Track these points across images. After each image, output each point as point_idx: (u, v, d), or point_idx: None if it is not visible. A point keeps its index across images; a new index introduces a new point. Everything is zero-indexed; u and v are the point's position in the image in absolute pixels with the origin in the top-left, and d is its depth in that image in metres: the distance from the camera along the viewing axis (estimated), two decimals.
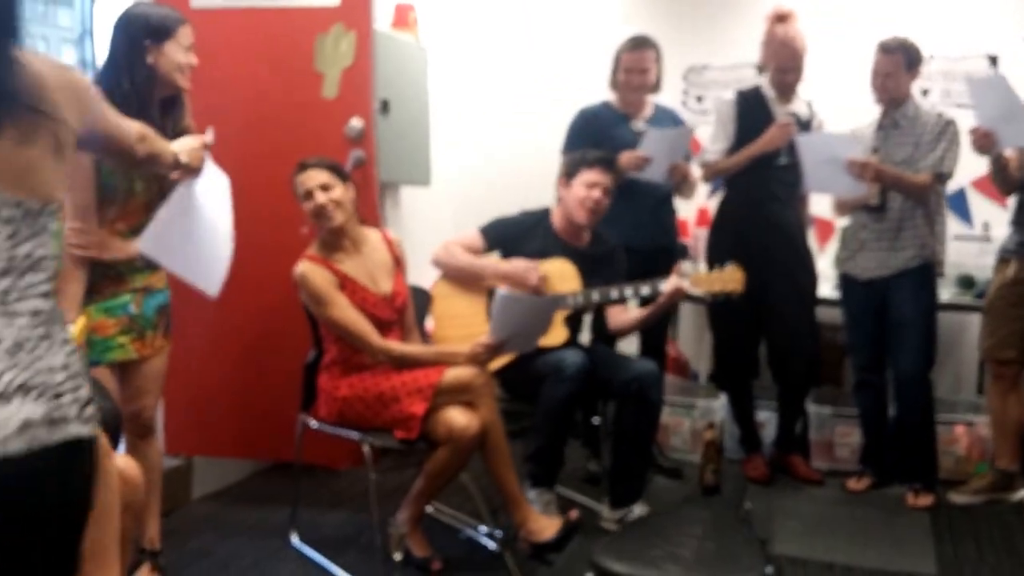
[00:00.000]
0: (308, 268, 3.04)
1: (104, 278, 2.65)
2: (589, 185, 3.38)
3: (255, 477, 4.01)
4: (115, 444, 2.36)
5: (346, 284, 3.06)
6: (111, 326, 2.68)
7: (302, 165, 3.10)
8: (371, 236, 3.22)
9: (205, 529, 3.43)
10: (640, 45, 3.85)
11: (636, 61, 3.84)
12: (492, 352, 3.05)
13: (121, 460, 2.27)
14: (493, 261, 3.45)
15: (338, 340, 3.09)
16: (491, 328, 3.04)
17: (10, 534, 1.32)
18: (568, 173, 3.46)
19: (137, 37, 2.60)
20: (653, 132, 3.75)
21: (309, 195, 3.06)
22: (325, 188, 3.05)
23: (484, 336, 3.06)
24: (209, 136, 2.55)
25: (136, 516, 2.50)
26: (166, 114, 2.70)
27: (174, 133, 2.64)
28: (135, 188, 2.66)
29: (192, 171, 2.48)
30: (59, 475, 1.35)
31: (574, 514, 3.07)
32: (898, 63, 3.67)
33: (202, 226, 2.62)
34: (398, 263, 3.25)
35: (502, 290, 3.02)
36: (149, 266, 2.74)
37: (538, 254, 3.43)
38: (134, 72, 2.59)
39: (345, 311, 3.02)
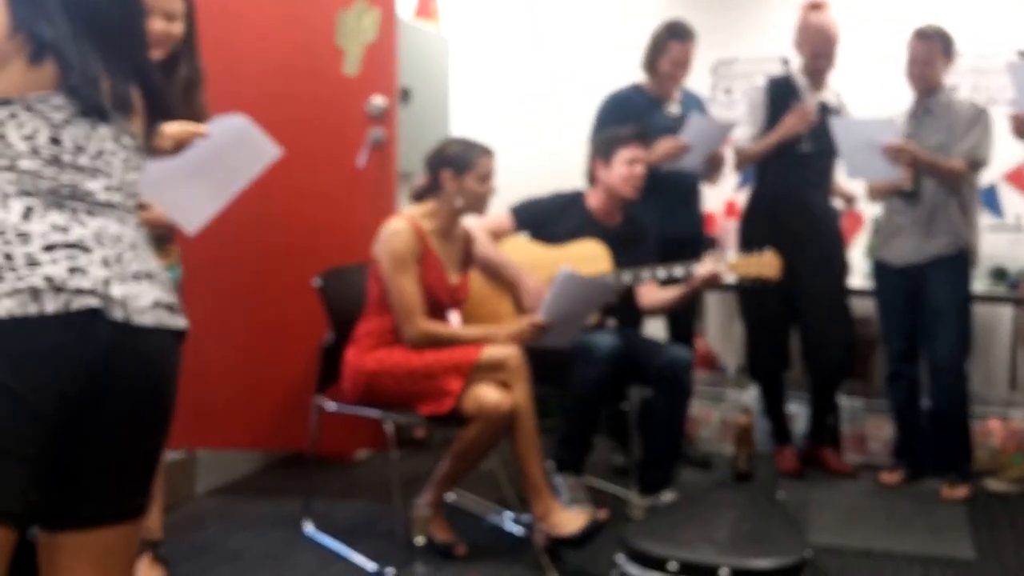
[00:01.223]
0: (403, 228, 2.95)
1: None
2: (630, 162, 3.37)
3: (262, 471, 3.88)
4: None
5: (427, 259, 2.97)
6: None
7: (488, 150, 3.06)
8: (459, 227, 3.16)
9: (211, 522, 3.30)
10: (688, 36, 3.79)
11: (685, 53, 3.79)
12: (538, 333, 2.96)
13: None
14: (516, 264, 3.36)
15: (383, 312, 2.99)
16: (545, 307, 2.96)
17: (125, 402, 1.44)
18: (605, 153, 3.42)
19: None
20: (697, 118, 3.70)
21: (486, 179, 3.03)
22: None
23: (533, 316, 2.99)
24: (206, 129, 2.37)
25: None
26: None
27: (186, 110, 2.50)
28: None
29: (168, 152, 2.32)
30: (171, 358, 1.51)
31: (602, 513, 2.97)
32: (935, 50, 3.63)
33: (204, 175, 2.46)
34: (468, 260, 3.19)
35: (566, 268, 2.95)
36: (156, 241, 2.62)
37: (570, 234, 3.40)
38: None
39: (410, 283, 2.92)
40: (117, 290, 1.40)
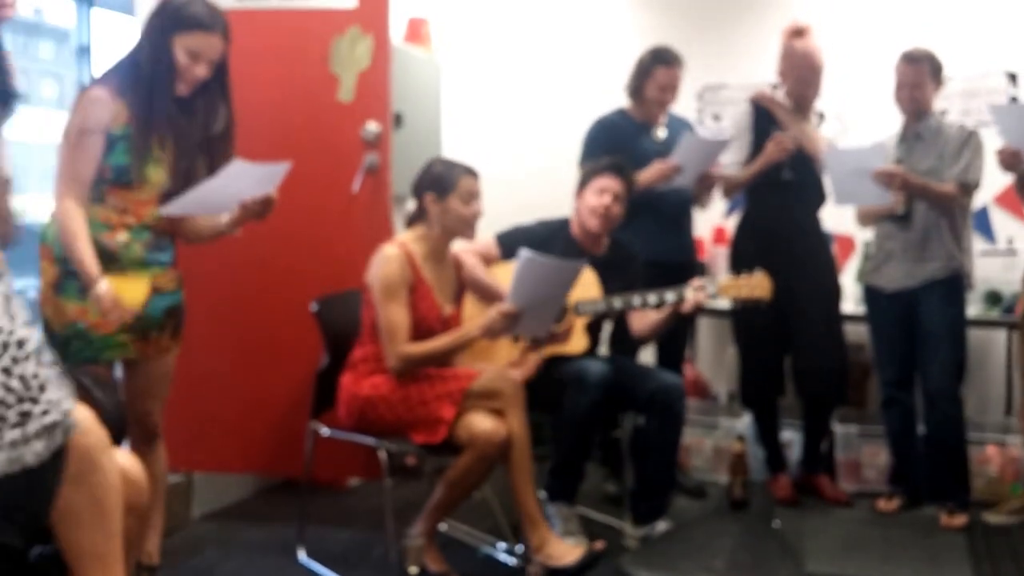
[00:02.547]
0: (396, 256, 2.92)
1: (106, 273, 2.55)
2: (600, 192, 3.33)
3: (258, 495, 3.86)
4: (118, 441, 2.24)
5: (418, 287, 2.95)
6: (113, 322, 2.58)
7: (471, 170, 3.02)
8: (450, 253, 3.12)
9: (206, 547, 3.28)
10: (675, 61, 3.77)
11: (672, 78, 3.77)
12: (509, 321, 2.89)
13: (124, 459, 2.13)
14: (501, 283, 3.32)
15: (378, 338, 2.96)
16: (510, 293, 2.89)
17: None
18: (582, 182, 3.42)
19: (164, 25, 2.55)
20: (689, 137, 3.68)
21: (472, 199, 2.98)
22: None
23: (502, 304, 2.91)
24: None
25: (140, 520, 2.36)
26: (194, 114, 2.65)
27: (210, 153, 2.66)
28: (148, 175, 2.58)
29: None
30: None
31: (599, 544, 2.94)
32: (924, 73, 3.62)
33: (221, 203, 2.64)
34: (462, 289, 3.15)
35: (525, 251, 2.88)
36: (159, 264, 2.65)
37: None
38: (155, 57, 2.54)
39: (398, 311, 2.89)
40: None
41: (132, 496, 2.09)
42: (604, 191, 3.33)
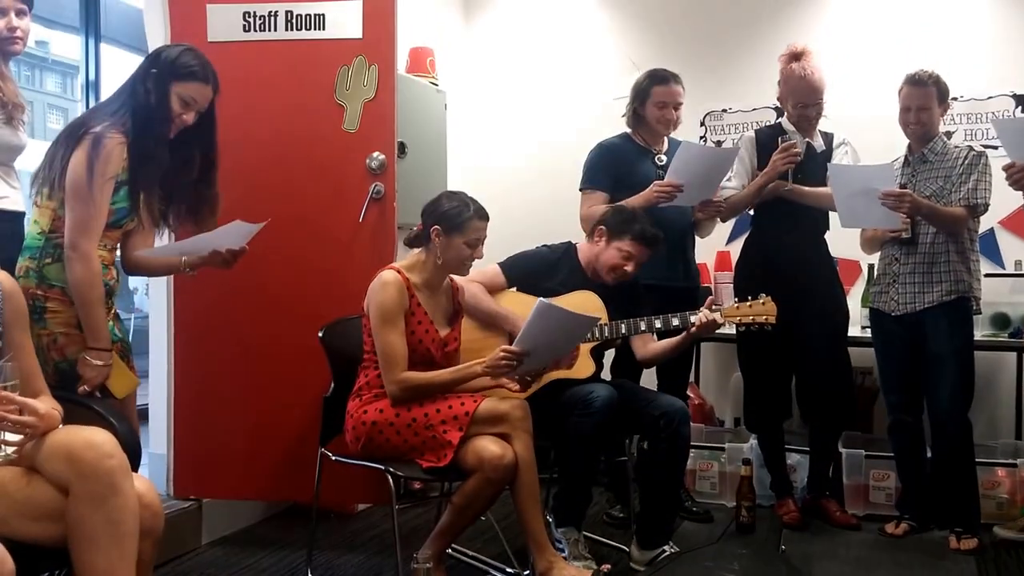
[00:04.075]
0: (393, 282, 2.94)
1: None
2: (625, 256, 3.32)
3: (266, 521, 3.87)
4: (135, 466, 2.26)
5: (416, 313, 2.97)
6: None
7: (483, 214, 3.03)
8: (446, 280, 3.15)
9: (216, 573, 3.29)
10: (672, 78, 3.80)
11: (671, 94, 3.79)
12: (513, 360, 2.89)
13: (141, 484, 2.16)
14: (513, 311, 3.32)
15: (378, 365, 2.98)
16: (521, 336, 2.89)
17: None
18: (615, 230, 3.34)
19: (162, 74, 2.62)
20: (688, 145, 3.65)
21: (477, 244, 3.01)
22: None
23: (511, 346, 2.90)
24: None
25: (155, 543, 2.38)
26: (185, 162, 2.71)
27: (196, 196, 2.75)
28: (142, 216, 2.68)
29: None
30: None
31: (606, 567, 2.92)
32: (931, 96, 3.59)
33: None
34: (458, 313, 3.17)
35: (543, 300, 2.87)
36: (113, 290, 2.73)
37: (562, 287, 3.36)
38: (150, 97, 2.60)
39: (395, 337, 2.90)
40: None
41: (147, 520, 2.12)
42: (629, 257, 3.31)
